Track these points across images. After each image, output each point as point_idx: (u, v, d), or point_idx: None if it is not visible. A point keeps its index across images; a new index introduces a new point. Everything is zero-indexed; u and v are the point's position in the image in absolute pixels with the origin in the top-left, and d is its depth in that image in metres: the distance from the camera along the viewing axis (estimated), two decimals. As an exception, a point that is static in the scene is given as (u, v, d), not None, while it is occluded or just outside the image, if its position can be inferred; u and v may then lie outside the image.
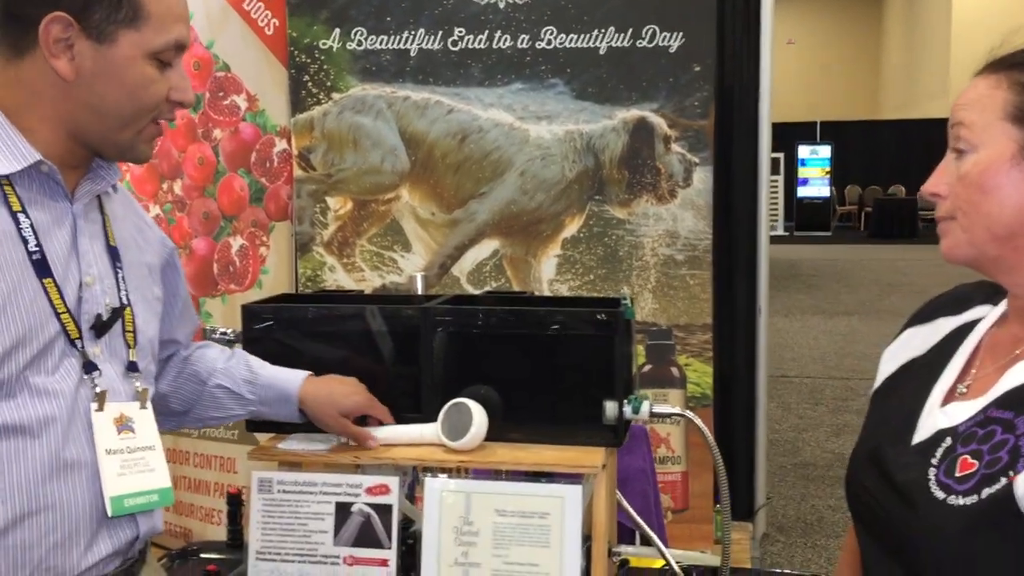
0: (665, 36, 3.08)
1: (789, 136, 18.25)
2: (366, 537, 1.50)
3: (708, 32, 3.13)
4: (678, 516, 3.26)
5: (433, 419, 1.59)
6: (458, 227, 3.27)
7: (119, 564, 1.32)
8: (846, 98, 24.37)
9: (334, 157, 3.28)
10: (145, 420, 1.33)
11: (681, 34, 3.07)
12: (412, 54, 3.22)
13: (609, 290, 3.18)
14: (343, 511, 1.51)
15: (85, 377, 1.26)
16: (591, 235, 3.18)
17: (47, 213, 1.26)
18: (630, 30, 3.09)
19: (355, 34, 3.24)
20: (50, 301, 1.23)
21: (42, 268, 1.23)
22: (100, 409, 1.27)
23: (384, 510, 1.50)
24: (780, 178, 18.45)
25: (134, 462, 1.30)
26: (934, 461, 1.13)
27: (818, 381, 7.25)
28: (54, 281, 1.24)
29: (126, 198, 1.48)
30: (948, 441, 1.14)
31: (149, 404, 1.35)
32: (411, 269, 3.28)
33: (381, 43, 3.23)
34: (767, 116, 3.57)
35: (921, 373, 1.26)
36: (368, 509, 1.50)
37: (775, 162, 15.79)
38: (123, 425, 1.29)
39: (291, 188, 3.34)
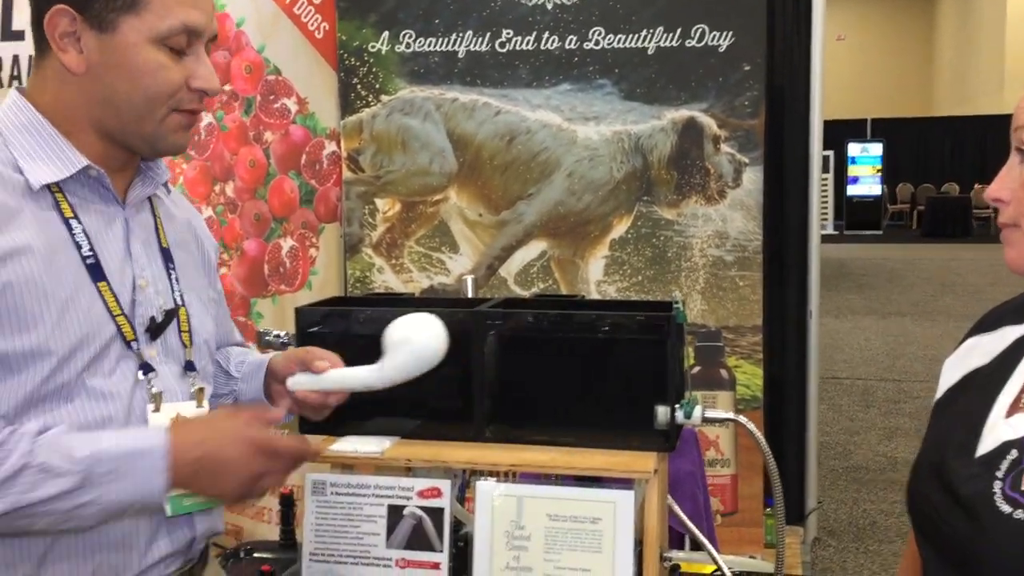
0: (714, 35, 3.05)
1: (839, 133, 17.99)
2: (418, 540, 1.50)
3: (758, 31, 3.09)
4: (727, 519, 3.23)
5: (483, 425, 1.59)
6: (506, 228, 3.27)
7: (180, 565, 1.34)
8: (897, 94, 23.96)
9: (383, 159, 3.30)
10: (202, 420, 1.34)
11: (731, 33, 3.04)
12: (460, 56, 3.22)
13: (657, 291, 3.16)
14: (395, 514, 1.51)
15: (141, 378, 1.28)
16: (639, 236, 3.17)
17: (99, 217, 1.28)
18: (679, 30, 3.07)
19: (403, 37, 3.25)
20: (105, 305, 1.24)
21: (96, 272, 1.25)
22: (157, 410, 1.28)
23: (436, 513, 1.50)
24: (830, 176, 18.20)
25: (191, 462, 1.31)
26: (999, 474, 1.10)
27: (870, 383, 7.14)
28: (108, 285, 1.25)
29: (180, 199, 1.49)
30: (1014, 454, 1.11)
31: (206, 403, 1.37)
32: (459, 270, 3.29)
33: (429, 45, 3.24)
34: (819, 116, 3.52)
35: (985, 383, 1.23)
36: (420, 512, 1.50)
37: (824, 160, 15.59)
38: (180, 426, 1.30)
39: (340, 190, 3.36)
